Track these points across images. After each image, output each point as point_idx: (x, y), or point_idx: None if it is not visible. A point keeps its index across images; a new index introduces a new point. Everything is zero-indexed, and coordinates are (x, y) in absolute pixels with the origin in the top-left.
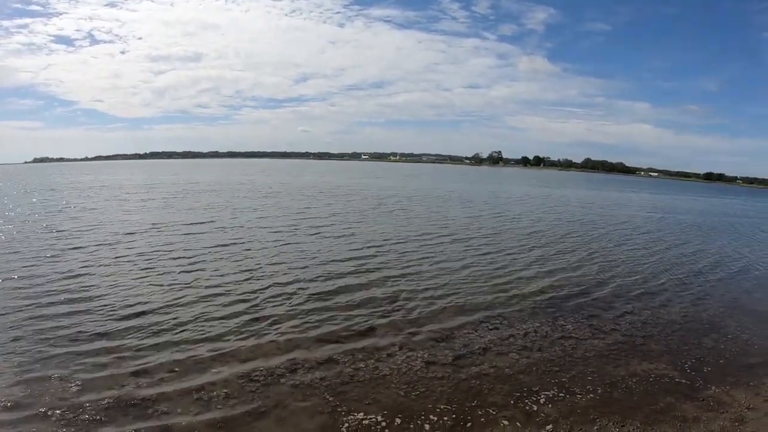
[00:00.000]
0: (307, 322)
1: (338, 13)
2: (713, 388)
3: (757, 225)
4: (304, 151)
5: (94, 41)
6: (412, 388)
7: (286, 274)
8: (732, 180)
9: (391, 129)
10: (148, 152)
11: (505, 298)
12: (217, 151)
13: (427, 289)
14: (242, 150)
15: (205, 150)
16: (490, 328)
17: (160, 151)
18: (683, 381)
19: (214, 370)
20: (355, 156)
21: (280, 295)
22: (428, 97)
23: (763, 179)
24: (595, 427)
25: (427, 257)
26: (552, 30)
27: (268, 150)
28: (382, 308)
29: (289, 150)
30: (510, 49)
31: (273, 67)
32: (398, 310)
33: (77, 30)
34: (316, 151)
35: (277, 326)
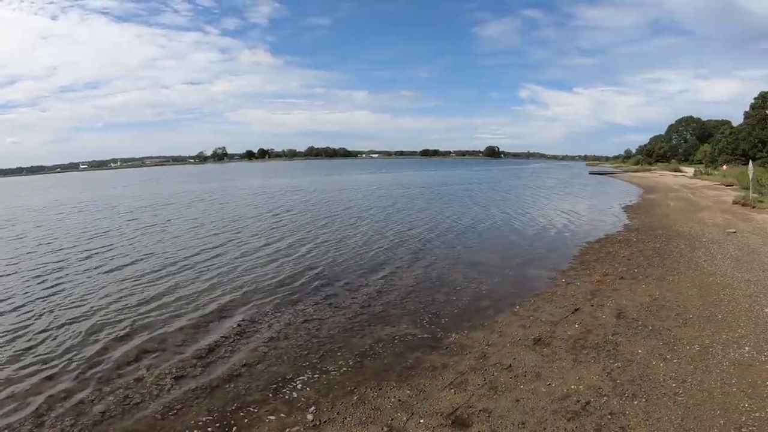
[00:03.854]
0: (26, 365)
1: (52, 2)
2: (453, 335)
3: (473, 191)
4: (15, 166)
5: None
6: (168, 408)
7: None
8: (446, 154)
9: (109, 133)
10: None
11: (243, 295)
12: None
13: (160, 300)
14: None
15: None
16: (234, 328)
17: None
18: (425, 335)
19: None
20: (73, 166)
21: None
22: (147, 96)
23: (473, 151)
24: (356, 397)
25: (152, 267)
26: (275, 24)
27: None
28: (118, 329)
29: None
30: (232, 43)
31: None
32: (134, 328)
33: None
34: (29, 165)
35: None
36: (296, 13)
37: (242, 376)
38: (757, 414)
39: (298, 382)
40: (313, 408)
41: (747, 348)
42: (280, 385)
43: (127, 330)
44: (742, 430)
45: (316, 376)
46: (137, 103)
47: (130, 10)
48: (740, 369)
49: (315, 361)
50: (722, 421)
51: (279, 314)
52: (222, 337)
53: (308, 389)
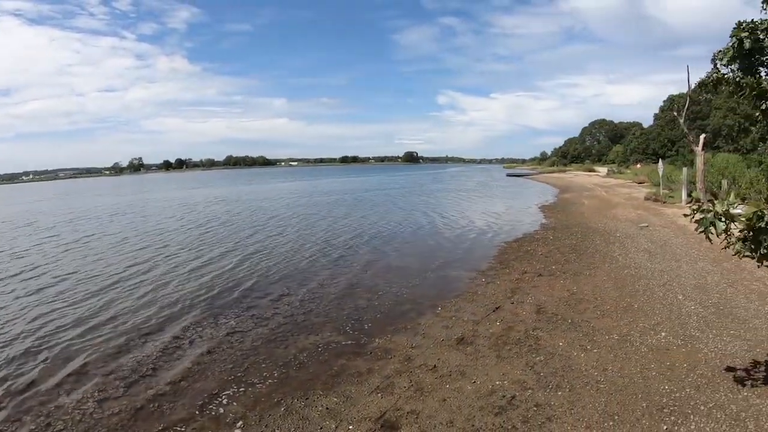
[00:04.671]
0: None
1: None
2: (377, 340)
3: (394, 196)
4: None
5: None
6: None
7: None
8: (366, 160)
9: (22, 144)
10: None
11: (165, 312)
12: None
13: (79, 322)
14: None
15: None
16: (156, 345)
17: None
18: (349, 342)
19: None
20: None
21: None
22: (61, 103)
23: (392, 157)
24: (283, 408)
25: (74, 287)
26: (194, 29)
27: None
28: (36, 354)
29: None
30: (149, 48)
31: None
32: (54, 353)
33: None
34: None
35: None
36: (215, 19)
37: (166, 395)
38: (677, 394)
39: (224, 397)
40: (240, 423)
41: (663, 334)
42: (206, 401)
43: (46, 355)
44: (664, 410)
45: (242, 389)
46: (51, 111)
47: (45, 13)
48: (658, 354)
49: (240, 374)
50: (644, 404)
51: (201, 329)
52: (144, 356)
53: (235, 404)
